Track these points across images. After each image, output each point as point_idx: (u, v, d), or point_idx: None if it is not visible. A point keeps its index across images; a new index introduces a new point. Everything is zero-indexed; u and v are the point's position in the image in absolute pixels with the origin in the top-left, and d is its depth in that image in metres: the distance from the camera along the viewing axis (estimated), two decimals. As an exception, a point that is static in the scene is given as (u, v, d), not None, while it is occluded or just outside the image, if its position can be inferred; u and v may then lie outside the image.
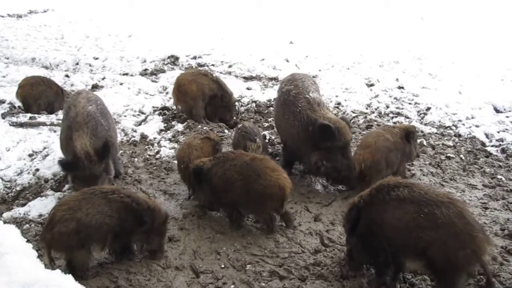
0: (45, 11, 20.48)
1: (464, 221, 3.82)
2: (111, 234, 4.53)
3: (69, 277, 3.61)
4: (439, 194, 4.04)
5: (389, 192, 4.15)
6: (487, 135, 7.64)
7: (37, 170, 6.60)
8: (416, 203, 3.97)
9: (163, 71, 11.59)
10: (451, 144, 7.36)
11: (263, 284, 4.47)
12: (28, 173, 6.59)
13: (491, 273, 4.06)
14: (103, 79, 10.83)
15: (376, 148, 5.75)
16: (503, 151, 7.15)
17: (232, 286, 4.46)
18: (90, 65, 12.18)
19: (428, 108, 8.73)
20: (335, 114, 8.21)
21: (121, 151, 7.06)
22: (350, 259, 4.58)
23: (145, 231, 4.65)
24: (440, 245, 3.83)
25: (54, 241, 4.37)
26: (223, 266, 4.73)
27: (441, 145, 7.33)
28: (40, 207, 5.79)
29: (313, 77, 9.91)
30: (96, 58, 12.63)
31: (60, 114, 8.63)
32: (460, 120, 8.19)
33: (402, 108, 8.79)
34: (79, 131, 5.66)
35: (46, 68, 12.02)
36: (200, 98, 8.14)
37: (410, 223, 3.96)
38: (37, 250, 4.84)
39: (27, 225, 5.46)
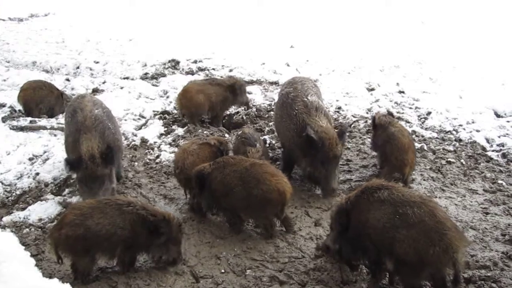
0: (46, 15, 20.52)
1: (434, 220, 3.88)
2: (122, 246, 4.52)
3: (67, 286, 3.60)
4: (413, 195, 4.14)
5: (372, 193, 4.27)
6: (487, 140, 7.63)
7: (37, 174, 6.60)
8: (394, 204, 4.07)
9: (163, 75, 11.59)
10: (452, 149, 7.34)
11: (263, 289, 4.46)
12: (28, 177, 6.58)
13: (460, 272, 4.03)
14: (103, 83, 10.83)
15: (413, 146, 6.30)
16: (503, 156, 7.13)
17: (232, 291, 4.46)
18: (90, 69, 12.18)
19: (429, 113, 8.72)
20: (335, 119, 8.27)
21: (122, 155, 7.05)
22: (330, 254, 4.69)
23: (162, 242, 4.63)
24: (411, 243, 3.89)
25: (60, 242, 4.40)
26: (223, 271, 4.72)
27: (441, 149, 7.31)
28: (40, 211, 5.79)
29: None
30: (97, 62, 12.63)
31: (61, 118, 8.65)
32: (460, 125, 8.17)
33: (403, 113, 8.78)
34: (87, 134, 5.69)
35: (47, 71, 12.03)
36: (205, 108, 8.25)
37: (386, 223, 4.06)
38: (36, 255, 4.88)
39: (27, 229, 5.46)
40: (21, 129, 8.09)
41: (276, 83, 10.74)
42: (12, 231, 5.30)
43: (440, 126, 8.22)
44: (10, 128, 8.09)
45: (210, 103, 8.25)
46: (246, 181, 5.02)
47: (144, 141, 7.69)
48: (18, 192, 6.30)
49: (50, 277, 3.99)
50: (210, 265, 4.80)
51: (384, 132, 6.31)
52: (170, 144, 7.59)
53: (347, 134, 7.83)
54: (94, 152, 5.55)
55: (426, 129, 8.16)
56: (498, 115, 8.59)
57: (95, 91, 10.28)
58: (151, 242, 4.61)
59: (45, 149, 7.33)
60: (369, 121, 8.34)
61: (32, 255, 4.79)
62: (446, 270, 3.97)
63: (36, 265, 4.63)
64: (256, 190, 4.95)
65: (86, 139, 5.63)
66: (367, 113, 8.89)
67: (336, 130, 6.02)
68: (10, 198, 6.21)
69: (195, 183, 5.35)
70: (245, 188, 5.01)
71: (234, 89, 8.43)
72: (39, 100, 8.99)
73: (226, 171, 5.16)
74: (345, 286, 4.47)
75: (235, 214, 5.26)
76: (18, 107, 9.19)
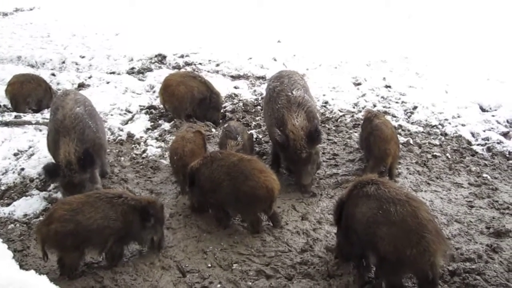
0: (31, 9, 20.31)
1: (416, 221, 3.85)
2: (113, 238, 4.53)
3: (44, 278, 3.59)
4: (399, 192, 4.10)
5: (361, 188, 4.29)
6: (473, 134, 7.68)
7: (22, 169, 6.55)
8: (379, 200, 4.06)
9: (150, 70, 11.53)
10: (438, 143, 7.39)
11: (250, 283, 4.47)
12: (13, 172, 6.53)
13: (437, 275, 4.04)
14: (89, 77, 10.74)
15: (397, 137, 6.40)
16: (488, 149, 7.19)
17: (219, 285, 4.45)
18: (76, 64, 12.09)
19: (415, 107, 8.76)
20: (322, 114, 8.29)
21: (107, 150, 7.00)
22: (338, 252, 4.71)
23: (153, 224, 4.72)
24: (390, 241, 3.88)
25: (49, 238, 4.37)
26: (209, 265, 4.72)
27: (427, 144, 7.36)
28: (25, 206, 5.76)
29: (301, 76, 9.91)
30: (83, 57, 12.54)
31: (46, 113, 8.59)
32: (446, 119, 8.23)
33: (389, 107, 8.82)
34: (66, 137, 5.62)
35: (32, 66, 11.90)
36: (187, 100, 8.13)
37: (370, 218, 4.06)
38: (21, 251, 4.85)
39: (12, 225, 5.43)
40: (6, 124, 8.01)
41: (263, 77, 10.73)
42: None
43: (426, 120, 8.27)
44: (-5, 124, 8.01)
45: (191, 95, 8.17)
46: (234, 177, 5.00)
47: (130, 136, 7.66)
48: (2, 188, 6.24)
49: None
50: (196, 260, 4.80)
51: (369, 125, 6.38)
52: (156, 138, 7.57)
53: (334, 128, 7.90)
54: (71, 158, 5.50)
55: (412, 123, 8.20)
56: (483, 110, 8.65)
57: (81, 86, 10.21)
58: (143, 227, 4.66)
59: (30, 144, 7.28)
60: (356, 116, 8.40)
61: (17, 251, 4.80)
62: (428, 269, 3.92)
63: (21, 260, 4.64)
64: (244, 186, 4.92)
65: (64, 143, 5.58)
66: (353, 107, 8.91)
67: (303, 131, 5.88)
68: (-6, 193, 6.16)
69: (188, 179, 5.35)
70: (232, 184, 4.99)
71: (214, 97, 8.31)
72: (26, 94, 8.94)
73: (214, 166, 5.13)
74: (331, 279, 4.49)
75: (222, 210, 5.26)
76: (3, 102, 9.11)
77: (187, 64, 11.94)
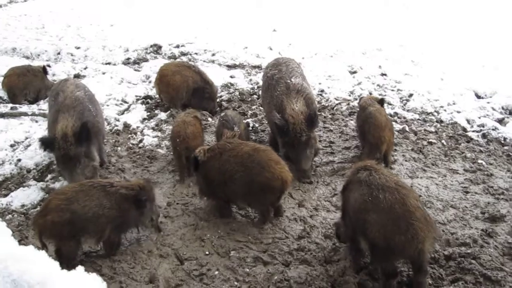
0: (25, 1, 20.20)
1: (404, 208, 3.86)
2: (110, 226, 4.54)
3: (42, 253, 3.60)
4: (390, 180, 4.10)
5: (356, 174, 4.32)
6: (468, 121, 7.72)
7: (19, 160, 6.56)
8: (369, 186, 4.08)
9: (146, 60, 11.51)
10: (433, 130, 7.42)
11: (247, 270, 4.50)
12: (10, 163, 6.54)
13: (426, 262, 4.03)
14: (85, 68, 10.72)
15: (391, 124, 6.42)
16: (484, 136, 7.22)
17: (216, 272, 4.48)
18: (71, 55, 12.04)
19: (411, 95, 8.79)
20: (318, 102, 8.30)
21: (104, 140, 7.02)
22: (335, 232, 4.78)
23: (150, 206, 4.76)
24: (379, 229, 3.89)
25: (45, 228, 4.38)
26: (207, 252, 4.75)
27: (423, 131, 7.39)
28: (23, 197, 5.77)
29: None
30: (78, 48, 12.48)
31: (42, 104, 8.59)
32: (442, 106, 8.26)
33: (385, 95, 8.83)
34: (65, 113, 5.69)
35: (27, 58, 11.86)
36: (184, 90, 8.13)
37: (361, 204, 4.09)
38: (19, 241, 4.85)
39: (10, 215, 5.44)
40: (2, 115, 8.00)
41: (259, 67, 10.73)
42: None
43: (421, 107, 8.29)
44: (-9, 115, 8.01)
45: (187, 85, 8.15)
46: (249, 167, 4.88)
47: (127, 126, 7.66)
48: (0, 179, 6.25)
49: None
50: (194, 247, 4.82)
51: (364, 113, 6.41)
52: (153, 128, 7.57)
53: (330, 116, 7.91)
54: (68, 131, 5.55)
55: (408, 110, 8.23)
56: (478, 96, 8.69)
57: (77, 77, 10.17)
58: (141, 213, 4.69)
59: (27, 135, 7.28)
60: (351, 104, 8.41)
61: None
62: (416, 256, 3.93)
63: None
64: (260, 177, 4.82)
65: (63, 118, 5.64)
66: (349, 95, 8.93)
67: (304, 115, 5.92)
68: (-8, 185, 6.17)
69: (192, 163, 5.31)
70: (247, 175, 4.88)
71: (208, 88, 8.27)
72: (23, 86, 8.95)
73: (224, 158, 5.01)
74: (328, 265, 4.52)
75: (227, 203, 5.23)
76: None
77: (183, 54, 11.92)
